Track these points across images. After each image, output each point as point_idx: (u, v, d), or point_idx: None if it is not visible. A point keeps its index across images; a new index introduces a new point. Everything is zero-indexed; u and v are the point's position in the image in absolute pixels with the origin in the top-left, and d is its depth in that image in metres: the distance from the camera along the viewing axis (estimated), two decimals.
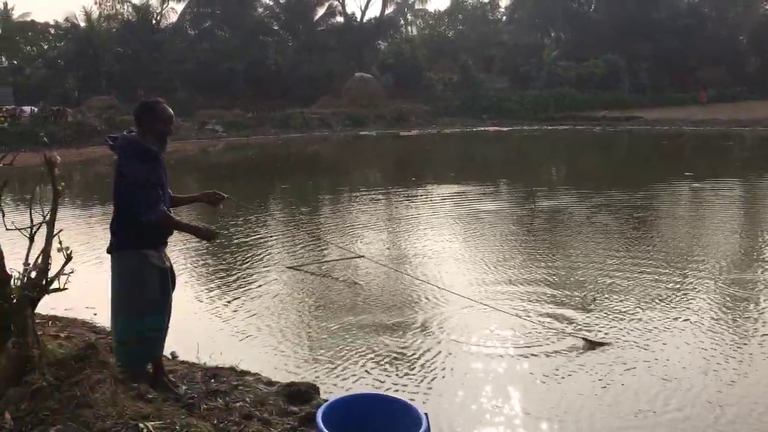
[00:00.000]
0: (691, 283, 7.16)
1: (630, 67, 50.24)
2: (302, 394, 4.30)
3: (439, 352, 5.42)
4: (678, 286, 7.03)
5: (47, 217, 3.79)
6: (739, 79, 51.09)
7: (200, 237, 4.31)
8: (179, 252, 8.97)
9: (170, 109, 4.03)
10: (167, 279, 4.08)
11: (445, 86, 51.26)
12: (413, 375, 4.98)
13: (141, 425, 3.14)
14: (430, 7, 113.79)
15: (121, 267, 3.96)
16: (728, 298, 6.61)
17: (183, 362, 5.00)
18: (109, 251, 4.02)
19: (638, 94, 48.59)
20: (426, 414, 3.11)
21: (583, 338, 5.52)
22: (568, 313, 6.26)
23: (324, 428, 2.92)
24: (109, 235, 4.03)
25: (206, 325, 6.20)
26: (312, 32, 55.40)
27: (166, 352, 4.38)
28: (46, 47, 56.54)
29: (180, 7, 54.85)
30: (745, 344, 5.44)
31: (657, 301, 6.56)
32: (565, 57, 52.92)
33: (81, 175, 21.95)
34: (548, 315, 6.20)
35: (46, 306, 5.16)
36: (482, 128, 40.12)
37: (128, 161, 3.85)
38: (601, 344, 5.42)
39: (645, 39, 51.27)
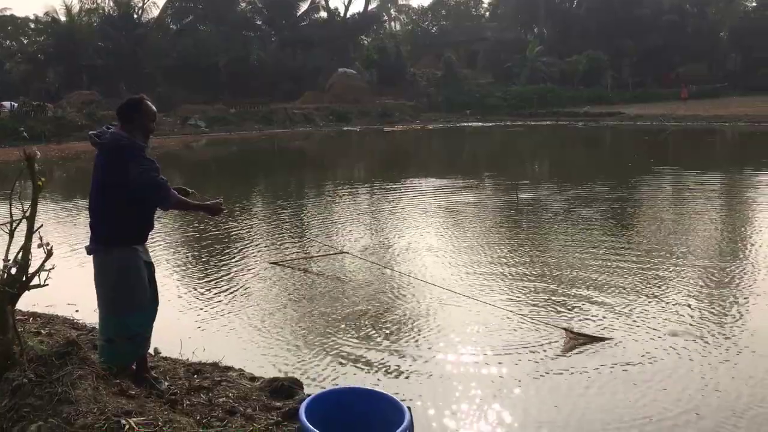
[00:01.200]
0: (676, 276, 7.22)
1: (613, 63, 50.60)
2: (285, 389, 4.29)
3: (423, 346, 5.44)
4: (664, 279, 7.09)
5: (27, 213, 3.75)
6: (720, 76, 51.65)
7: (208, 212, 4.33)
8: (163, 247, 8.93)
9: (153, 106, 4.03)
10: (152, 273, 4.08)
11: (429, 82, 51.34)
12: (397, 369, 4.99)
13: (123, 421, 3.12)
14: (414, 2, 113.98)
15: (110, 265, 3.91)
16: (717, 293, 6.66)
17: (166, 358, 4.99)
18: (90, 251, 3.97)
19: (621, 90, 48.97)
20: (409, 408, 3.12)
21: (566, 329, 5.53)
22: (554, 306, 6.29)
23: (307, 423, 2.93)
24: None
25: (189, 321, 6.18)
26: (295, 27, 55.22)
27: (149, 348, 4.36)
28: (26, 42, 55.89)
29: (162, 1, 54.55)
30: (736, 344, 5.50)
31: (644, 295, 6.59)
32: (548, 53, 53.22)
33: (61, 170, 21.74)
34: (534, 308, 6.23)
35: (27, 302, 5.12)
36: (465, 124, 40.26)
37: (130, 159, 3.79)
38: (591, 339, 5.40)
39: (628, 35, 51.68)
